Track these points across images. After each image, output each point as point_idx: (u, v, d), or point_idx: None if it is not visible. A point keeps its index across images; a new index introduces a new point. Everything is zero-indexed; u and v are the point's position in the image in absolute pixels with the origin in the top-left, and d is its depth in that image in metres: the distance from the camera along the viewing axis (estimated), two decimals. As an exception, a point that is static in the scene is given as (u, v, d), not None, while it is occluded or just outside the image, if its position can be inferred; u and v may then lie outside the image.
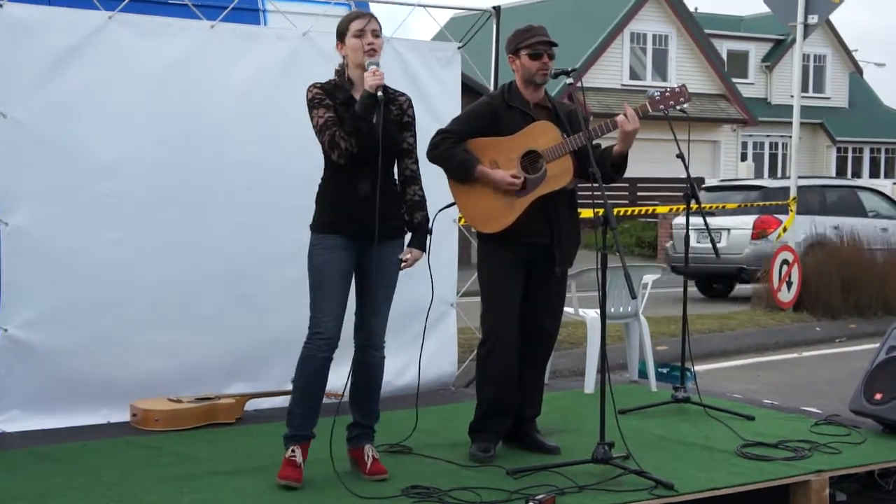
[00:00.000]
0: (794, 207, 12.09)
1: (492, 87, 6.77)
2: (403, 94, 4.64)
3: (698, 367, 6.91)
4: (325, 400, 4.57)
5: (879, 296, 12.27)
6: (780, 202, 13.06)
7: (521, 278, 4.94)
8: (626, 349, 6.98)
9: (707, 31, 31.86)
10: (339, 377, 4.67)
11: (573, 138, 4.82)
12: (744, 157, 31.39)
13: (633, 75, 29.97)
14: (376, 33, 4.43)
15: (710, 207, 13.50)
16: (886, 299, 12.28)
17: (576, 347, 8.80)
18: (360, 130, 4.30)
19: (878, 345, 5.77)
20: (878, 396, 5.46)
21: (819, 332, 11.32)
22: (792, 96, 12.86)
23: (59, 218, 5.46)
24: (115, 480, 4.47)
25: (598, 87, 27.89)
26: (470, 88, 8.67)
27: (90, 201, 5.52)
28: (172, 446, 5.10)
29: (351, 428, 4.63)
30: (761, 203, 14.04)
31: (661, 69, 30.21)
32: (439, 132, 4.98)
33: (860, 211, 14.90)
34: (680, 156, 5.74)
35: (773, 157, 34.46)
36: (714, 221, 13.52)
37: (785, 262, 11.98)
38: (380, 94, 4.28)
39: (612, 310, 6.56)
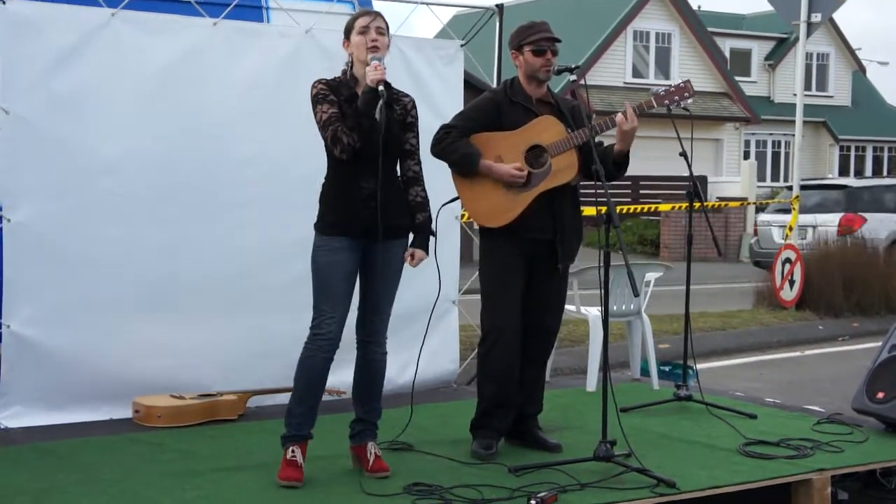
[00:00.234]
0: (796, 206, 12.07)
1: (494, 85, 6.76)
2: (407, 95, 4.64)
3: (700, 366, 6.91)
4: (326, 397, 4.57)
5: (882, 294, 12.28)
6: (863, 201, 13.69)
7: (522, 275, 4.94)
8: (629, 347, 6.99)
9: (710, 29, 31.81)
10: (336, 377, 4.68)
11: (578, 133, 4.83)
12: (746, 156, 31.35)
13: (636, 73, 29.93)
14: (381, 30, 4.43)
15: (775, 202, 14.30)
16: (889, 298, 12.28)
17: (577, 345, 8.80)
18: (361, 126, 4.30)
19: (880, 343, 5.77)
20: (880, 395, 5.45)
21: (821, 331, 11.31)
22: (795, 95, 12.87)
23: (61, 214, 5.46)
24: (117, 477, 4.47)
25: (601, 85, 27.85)
26: (473, 86, 8.69)
27: (92, 198, 5.52)
28: (175, 443, 5.10)
29: (354, 424, 4.63)
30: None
31: (663, 67, 30.17)
32: (443, 127, 4.98)
33: None
34: (683, 154, 5.75)
35: (775, 156, 34.42)
36: (801, 219, 14.22)
37: (788, 260, 11.98)
38: (380, 88, 4.28)
39: (615, 307, 6.56)
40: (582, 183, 5.01)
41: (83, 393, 5.50)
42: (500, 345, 4.91)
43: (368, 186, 4.37)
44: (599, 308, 4.90)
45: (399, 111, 4.54)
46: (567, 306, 5.37)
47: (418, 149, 4.63)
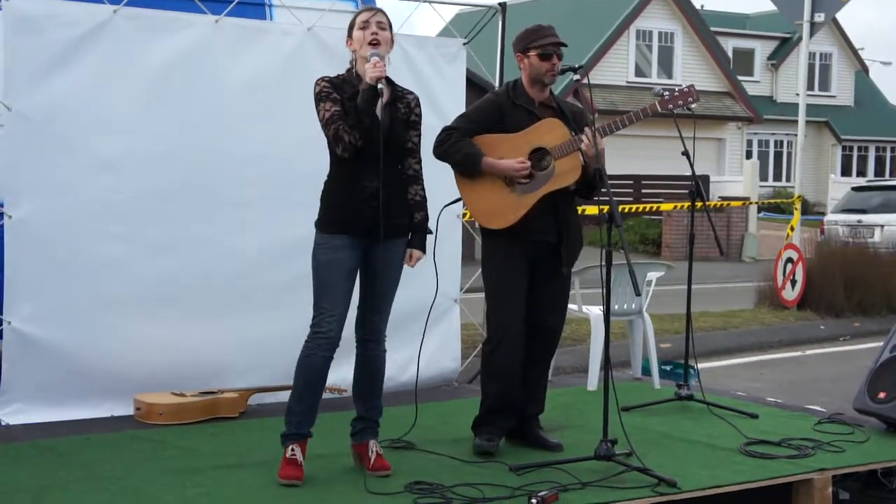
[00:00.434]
0: (798, 206, 12.06)
1: (497, 84, 6.75)
2: (411, 93, 4.62)
3: (701, 365, 6.90)
4: (327, 395, 4.56)
5: (883, 294, 12.29)
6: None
7: (525, 275, 4.94)
8: (630, 346, 6.98)
9: (713, 28, 31.81)
10: (337, 375, 4.67)
11: (581, 136, 4.81)
12: (749, 155, 31.35)
13: (639, 73, 29.93)
14: (382, 25, 4.41)
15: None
16: (890, 298, 12.29)
17: (579, 344, 8.80)
18: (362, 124, 4.29)
19: (881, 343, 5.77)
20: (881, 395, 5.45)
21: (823, 331, 11.31)
22: (797, 94, 12.86)
23: (62, 211, 5.46)
24: (118, 474, 4.47)
25: (604, 85, 27.86)
26: (475, 84, 8.67)
27: (93, 195, 5.52)
28: (176, 440, 5.10)
29: (355, 422, 4.63)
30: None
31: (666, 67, 30.17)
32: (445, 129, 4.96)
33: None
34: (685, 153, 5.75)
35: (777, 156, 34.43)
36: (867, 218, 14.67)
37: (789, 260, 11.97)
38: (380, 85, 4.27)
39: (616, 307, 6.55)
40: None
41: (84, 390, 5.50)
42: (504, 344, 4.91)
43: (371, 185, 4.36)
44: (601, 307, 4.89)
45: (403, 109, 4.52)
46: (569, 305, 5.36)
47: (419, 147, 4.61)
